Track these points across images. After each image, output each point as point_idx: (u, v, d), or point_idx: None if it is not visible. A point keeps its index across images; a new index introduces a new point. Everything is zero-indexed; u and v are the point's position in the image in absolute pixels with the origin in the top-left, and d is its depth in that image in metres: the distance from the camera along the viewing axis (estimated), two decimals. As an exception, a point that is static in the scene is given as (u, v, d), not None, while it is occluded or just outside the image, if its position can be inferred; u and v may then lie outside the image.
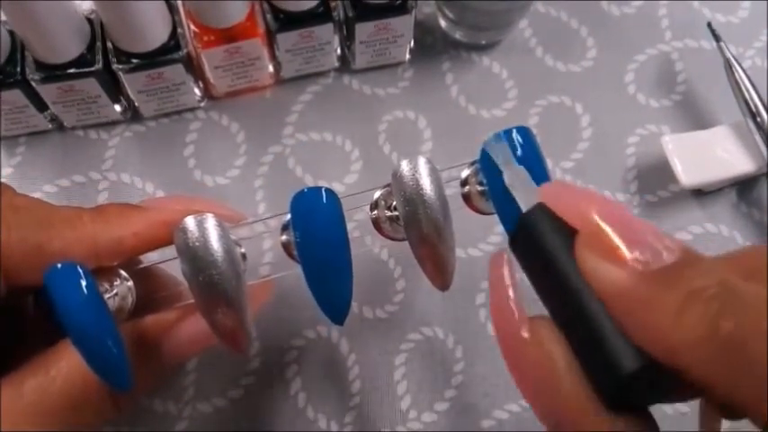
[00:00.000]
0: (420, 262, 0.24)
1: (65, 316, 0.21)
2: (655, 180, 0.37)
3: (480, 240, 0.36)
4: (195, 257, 0.22)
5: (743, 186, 0.37)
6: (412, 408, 0.33)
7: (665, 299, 0.16)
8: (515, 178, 0.22)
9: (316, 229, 0.23)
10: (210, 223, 0.22)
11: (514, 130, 0.23)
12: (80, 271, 0.22)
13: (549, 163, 0.37)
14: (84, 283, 0.22)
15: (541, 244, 0.19)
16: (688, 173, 0.35)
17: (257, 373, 0.33)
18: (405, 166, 0.23)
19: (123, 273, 0.25)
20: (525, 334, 0.19)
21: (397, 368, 0.34)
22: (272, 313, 0.34)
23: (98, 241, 0.24)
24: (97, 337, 0.21)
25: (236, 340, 0.23)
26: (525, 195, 0.21)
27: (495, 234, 0.36)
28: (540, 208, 0.20)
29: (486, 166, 0.23)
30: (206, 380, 0.33)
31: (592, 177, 0.37)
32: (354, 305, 0.34)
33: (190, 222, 0.22)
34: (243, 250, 0.24)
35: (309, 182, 0.37)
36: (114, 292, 0.24)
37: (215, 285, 0.22)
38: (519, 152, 0.22)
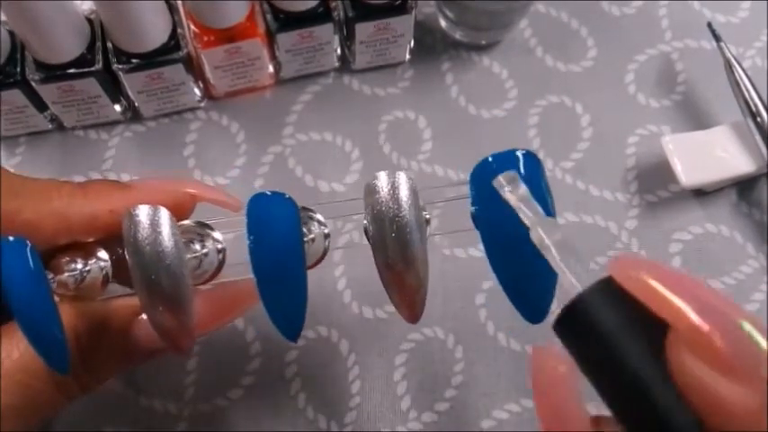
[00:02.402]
0: (386, 288, 0.22)
1: (5, 288, 0.21)
2: (655, 180, 0.37)
3: (479, 240, 0.36)
4: (137, 251, 0.21)
5: (743, 186, 0.37)
6: (412, 408, 0.33)
7: None
8: (558, 245, 0.18)
9: (269, 236, 0.21)
10: (163, 217, 0.21)
11: (521, 158, 0.21)
12: (27, 246, 0.21)
13: (550, 163, 0.37)
14: (28, 258, 0.21)
15: (608, 330, 0.16)
16: (688, 173, 0.35)
17: (257, 374, 0.33)
18: (381, 181, 0.21)
19: (102, 252, 0.24)
20: None
21: (397, 368, 0.34)
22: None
23: (71, 215, 0.24)
24: (31, 315, 0.21)
25: (175, 341, 0.22)
26: (572, 263, 0.18)
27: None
28: (608, 285, 0.16)
29: (479, 193, 0.21)
30: (206, 380, 0.33)
31: (592, 177, 0.37)
32: (354, 305, 0.34)
33: (141, 212, 0.21)
34: (221, 246, 0.24)
35: (309, 182, 0.37)
36: (79, 269, 0.24)
37: (154, 284, 0.21)
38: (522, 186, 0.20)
